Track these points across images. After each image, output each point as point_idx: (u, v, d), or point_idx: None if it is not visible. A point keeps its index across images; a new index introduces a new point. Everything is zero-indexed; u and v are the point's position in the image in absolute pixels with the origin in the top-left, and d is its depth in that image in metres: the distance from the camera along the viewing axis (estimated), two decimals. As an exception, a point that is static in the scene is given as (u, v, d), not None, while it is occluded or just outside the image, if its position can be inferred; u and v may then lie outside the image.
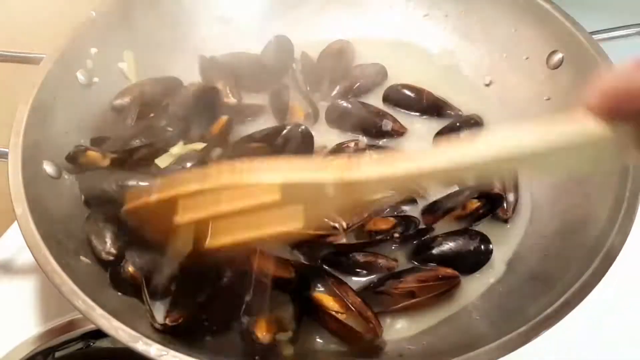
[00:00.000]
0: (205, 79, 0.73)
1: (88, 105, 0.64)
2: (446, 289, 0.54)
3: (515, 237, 0.60)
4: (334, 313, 0.52)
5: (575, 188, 0.59)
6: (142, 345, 0.42)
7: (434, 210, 0.60)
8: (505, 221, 0.61)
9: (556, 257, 0.54)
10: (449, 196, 0.61)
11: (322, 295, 0.54)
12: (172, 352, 0.42)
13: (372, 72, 0.75)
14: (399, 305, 0.53)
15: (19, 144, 0.53)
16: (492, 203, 0.60)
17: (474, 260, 0.57)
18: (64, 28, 0.63)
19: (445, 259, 0.56)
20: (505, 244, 0.60)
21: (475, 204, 0.60)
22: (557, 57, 0.66)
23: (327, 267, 0.57)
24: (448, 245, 0.57)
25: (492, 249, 0.57)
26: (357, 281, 0.57)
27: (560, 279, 0.48)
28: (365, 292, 0.54)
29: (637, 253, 0.54)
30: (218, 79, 0.72)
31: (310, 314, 0.53)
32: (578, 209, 0.57)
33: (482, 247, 0.57)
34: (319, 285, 0.54)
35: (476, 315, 0.53)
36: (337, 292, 0.53)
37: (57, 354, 0.61)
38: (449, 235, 0.58)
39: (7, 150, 0.53)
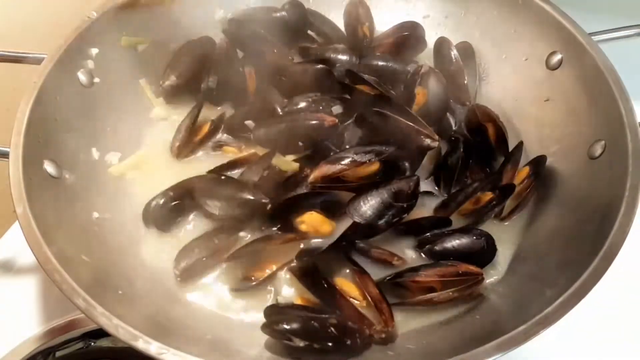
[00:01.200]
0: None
1: (89, 106, 0.64)
2: (468, 286, 0.53)
3: (518, 237, 0.61)
4: (351, 299, 0.54)
5: (575, 188, 0.60)
6: (143, 343, 0.43)
7: (447, 206, 0.60)
8: (504, 219, 0.61)
9: (556, 257, 0.55)
10: (461, 190, 0.61)
11: (343, 281, 0.55)
12: (172, 350, 0.42)
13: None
14: (416, 299, 0.53)
15: (19, 144, 0.54)
16: (504, 194, 0.60)
17: (478, 260, 0.56)
18: (64, 28, 0.63)
19: (448, 256, 0.56)
20: (508, 244, 0.60)
21: (488, 195, 0.59)
22: (557, 58, 0.66)
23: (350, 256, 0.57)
24: (453, 243, 0.57)
25: (496, 249, 0.57)
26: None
27: (560, 279, 0.48)
28: (383, 283, 0.55)
29: (636, 253, 0.54)
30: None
31: (328, 295, 0.53)
32: (578, 210, 0.57)
33: (487, 247, 0.57)
34: (341, 271, 0.56)
35: (477, 314, 0.53)
36: (358, 280, 0.54)
37: (58, 354, 0.61)
38: (455, 233, 0.58)
39: (8, 149, 0.53)
